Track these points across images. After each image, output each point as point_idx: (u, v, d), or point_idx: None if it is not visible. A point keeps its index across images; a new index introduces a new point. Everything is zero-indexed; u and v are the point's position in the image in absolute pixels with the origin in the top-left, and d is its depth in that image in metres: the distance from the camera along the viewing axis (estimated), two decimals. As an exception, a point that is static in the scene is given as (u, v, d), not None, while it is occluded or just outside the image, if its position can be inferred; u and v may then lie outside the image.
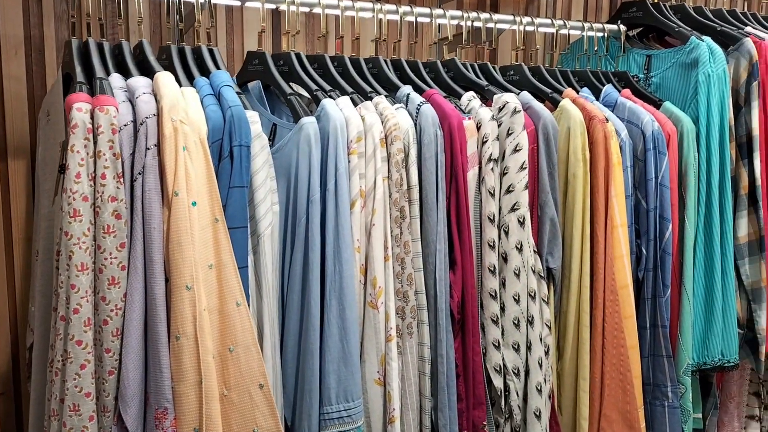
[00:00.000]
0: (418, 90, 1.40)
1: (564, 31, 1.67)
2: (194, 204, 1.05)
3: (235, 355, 1.09)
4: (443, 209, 1.29)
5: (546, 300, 1.40)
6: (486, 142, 1.33)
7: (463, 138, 1.32)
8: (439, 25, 1.58)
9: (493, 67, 1.57)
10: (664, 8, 1.77)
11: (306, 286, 1.19)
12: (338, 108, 1.22)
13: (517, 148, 1.34)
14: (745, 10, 2.03)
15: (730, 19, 1.85)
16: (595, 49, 1.75)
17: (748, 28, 1.78)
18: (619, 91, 1.67)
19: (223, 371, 1.08)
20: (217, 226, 1.07)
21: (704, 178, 1.58)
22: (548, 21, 1.65)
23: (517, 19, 1.61)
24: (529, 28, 1.62)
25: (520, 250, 1.34)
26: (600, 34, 1.73)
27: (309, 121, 1.18)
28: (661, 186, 1.52)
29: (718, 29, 1.72)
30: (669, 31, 1.71)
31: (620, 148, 1.50)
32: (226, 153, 1.10)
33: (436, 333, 1.28)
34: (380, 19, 1.44)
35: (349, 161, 1.21)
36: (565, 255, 1.44)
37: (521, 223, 1.34)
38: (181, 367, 1.02)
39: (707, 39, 1.62)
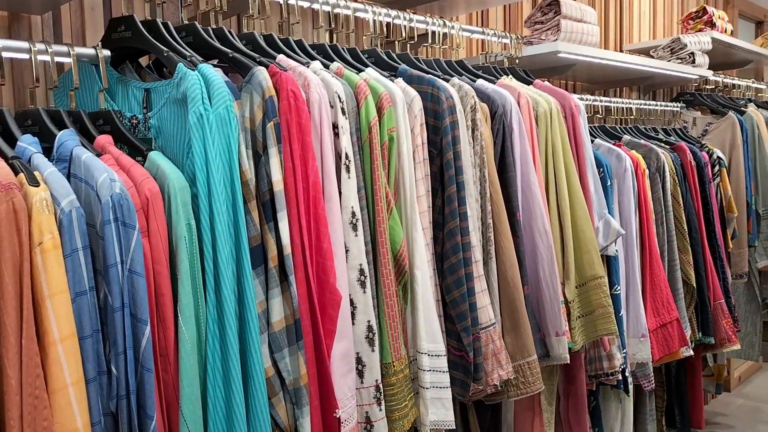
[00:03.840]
0: None
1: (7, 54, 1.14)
2: None
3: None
4: None
5: None
6: None
7: None
8: None
9: None
10: (162, 27, 1.33)
11: None
12: None
13: None
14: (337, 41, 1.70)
15: (263, 45, 1.49)
16: (74, 83, 1.25)
17: (280, 56, 1.44)
18: (93, 140, 1.19)
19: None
20: None
21: (209, 254, 1.15)
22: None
23: None
24: None
25: None
26: (66, 60, 1.23)
27: None
28: (132, 273, 1.05)
29: (230, 56, 1.33)
30: (158, 55, 1.27)
31: (61, 223, 1.00)
32: None
33: None
34: None
35: None
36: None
37: None
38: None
39: (204, 67, 1.21)
